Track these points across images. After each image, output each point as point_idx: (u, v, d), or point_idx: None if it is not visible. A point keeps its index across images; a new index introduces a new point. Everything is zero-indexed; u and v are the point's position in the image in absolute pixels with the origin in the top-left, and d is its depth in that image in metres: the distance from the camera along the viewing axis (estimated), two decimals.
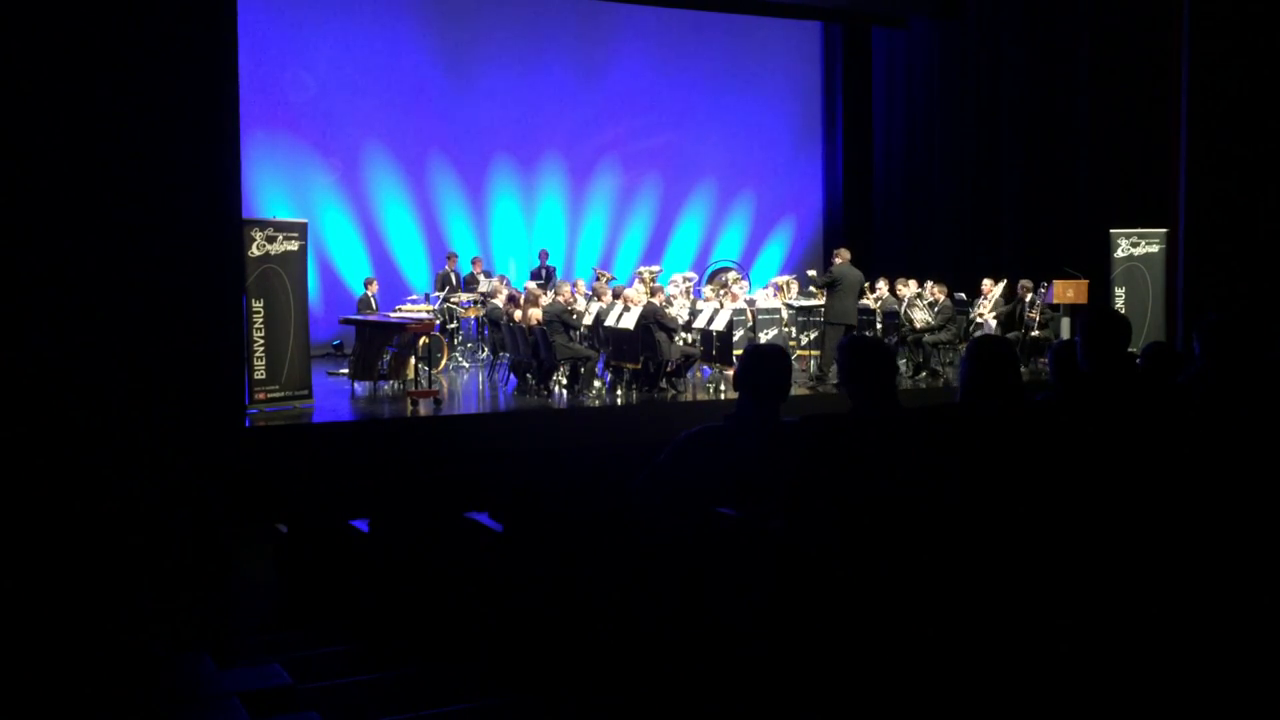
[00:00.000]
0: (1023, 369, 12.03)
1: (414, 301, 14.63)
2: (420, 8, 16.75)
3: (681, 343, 12.02)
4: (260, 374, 10.07)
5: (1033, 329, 13.67)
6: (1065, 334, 13.46)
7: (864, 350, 3.71)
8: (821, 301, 12.61)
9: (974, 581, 3.03)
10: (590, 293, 13.47)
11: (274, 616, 6.21)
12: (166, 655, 3.60)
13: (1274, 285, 7.45)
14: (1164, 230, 12.58)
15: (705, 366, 12.35)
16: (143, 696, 3.07)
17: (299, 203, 15.41)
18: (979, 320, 13.57)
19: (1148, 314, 12.86)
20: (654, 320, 11.23)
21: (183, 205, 4.20)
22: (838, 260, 12.23)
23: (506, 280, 14.38)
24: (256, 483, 8.47)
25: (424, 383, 11.46)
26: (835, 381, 11.70)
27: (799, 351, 13.21)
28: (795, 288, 14.62)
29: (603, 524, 3.92)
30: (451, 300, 14.51)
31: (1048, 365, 5.52)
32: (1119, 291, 13.13)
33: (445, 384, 12.33)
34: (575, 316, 12.08)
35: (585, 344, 11.98)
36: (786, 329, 13.46)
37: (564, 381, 11.57)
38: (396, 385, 11.69)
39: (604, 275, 14.97)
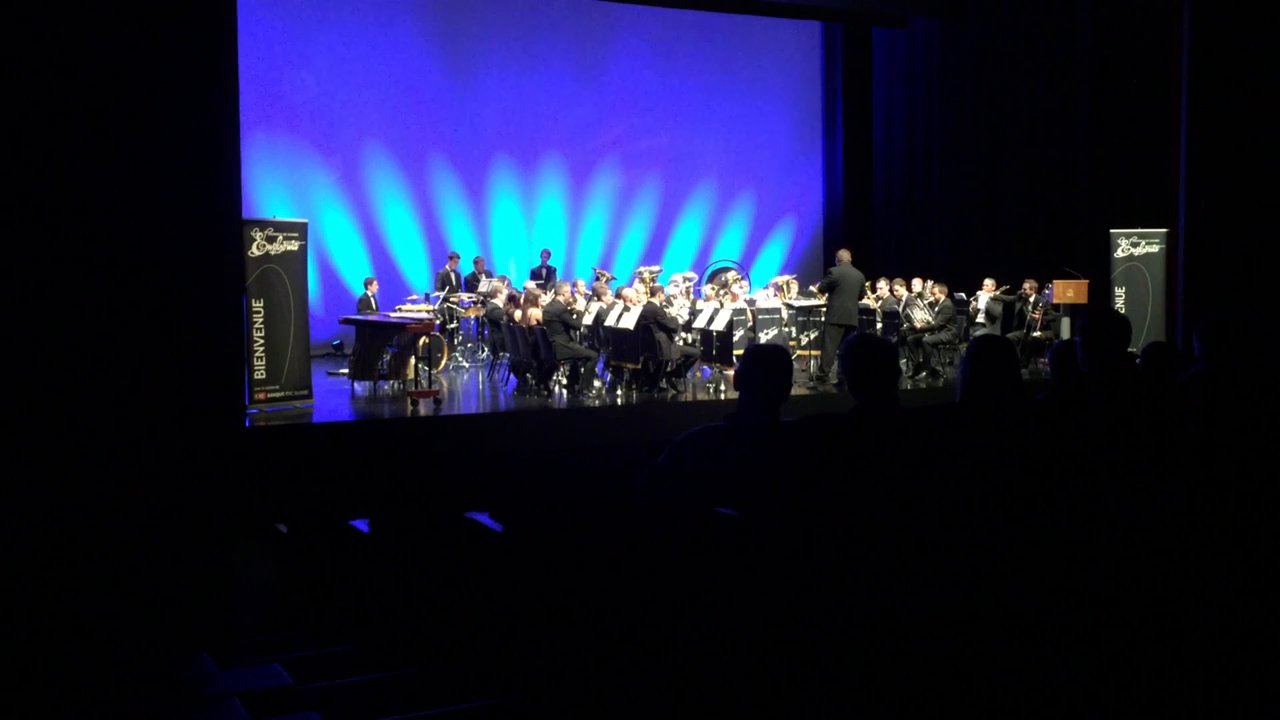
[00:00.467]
0: (1023, 369, 12.05)
1: (414, 301, 14.63)
2: (420, 8, 16.75)
3: (681, 343, 12.01)
4: (260, 374, 10.08)
5: (1034, 329, 13.68)
6: (1065, 334, 13.47)
7: (869, 349, 3.71)
8: (821, 302, 12.62)
9: (974, 581, 3.03)
10: (590, 293, 13.47)
11: (274, 617, 6.22)
12: (166, 655, 3.60)
13: (1274, 285, 7.44)
14: (1164, 230, 12.58)
15: (705, 366, 12.35)
16: (143, 696, 3.07)
17: (299, 203, 15.42)
18: (976, 307, 13.58)
19: (1148, 314, 12.86)
20: (654, 320, 11.23)
21: (182, 205, 4.19)
22: (839, 260, 12.23)
23: (507, 280, 14.38)
24: (256, 483, 8.47)
25: (424, 383, 11.45)
26: (835, 381, 11.71)
27: (799, 351, 13.20)
28: (795, 288, 14.63)
29: (603, 524, 3.91)
30: (451, 300, 14.51)
31: (1048, 365, 5.52)
32: (1119, 291, 13.14)
33: (445, 384, 12.32)
34: (575, 316, 12.08)
35: (585, 344, 11.98)
36: (786, 329, 13.46)
37: (564, 381, 11.57)
38: (396, 385, 11.69)
39: (604, 275, 14.97)
